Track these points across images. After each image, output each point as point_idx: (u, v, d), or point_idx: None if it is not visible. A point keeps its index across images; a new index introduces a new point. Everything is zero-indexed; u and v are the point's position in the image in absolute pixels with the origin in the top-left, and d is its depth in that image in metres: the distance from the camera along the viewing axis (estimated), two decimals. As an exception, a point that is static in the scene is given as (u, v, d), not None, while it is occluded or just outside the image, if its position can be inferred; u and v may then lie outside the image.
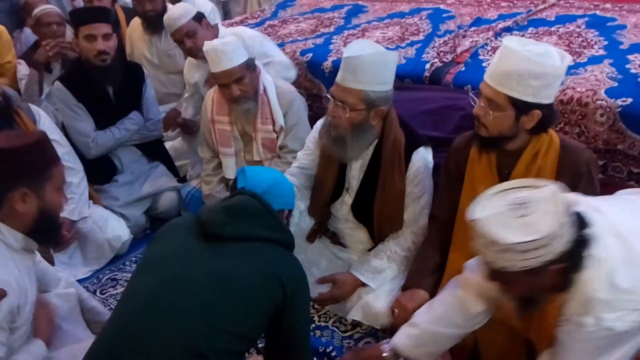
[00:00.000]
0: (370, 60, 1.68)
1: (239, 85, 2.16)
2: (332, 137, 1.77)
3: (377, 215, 1.84)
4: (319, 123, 1.92)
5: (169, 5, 2.95)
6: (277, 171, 1.59)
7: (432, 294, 1.67)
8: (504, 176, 1.60)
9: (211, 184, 2.46)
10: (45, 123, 2.23)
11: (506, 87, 1.48)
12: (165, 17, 2.65)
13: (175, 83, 3.19)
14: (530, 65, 1.45)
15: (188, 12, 2.57)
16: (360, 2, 3.53)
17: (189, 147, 2.93)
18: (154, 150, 2.70)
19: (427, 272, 1.74)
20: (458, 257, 1.66)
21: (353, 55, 1.69)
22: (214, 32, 2.65)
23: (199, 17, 2.60)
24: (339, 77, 1.73)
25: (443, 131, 2.11)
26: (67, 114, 2.46)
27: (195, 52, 2.57)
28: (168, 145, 2.89)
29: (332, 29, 3.10)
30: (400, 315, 1.65)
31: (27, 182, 1.37)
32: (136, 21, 3.21)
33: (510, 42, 1.52)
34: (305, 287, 1.44)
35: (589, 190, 1.52)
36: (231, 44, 2.11)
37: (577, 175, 1.56)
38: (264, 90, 2.26)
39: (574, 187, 1.55)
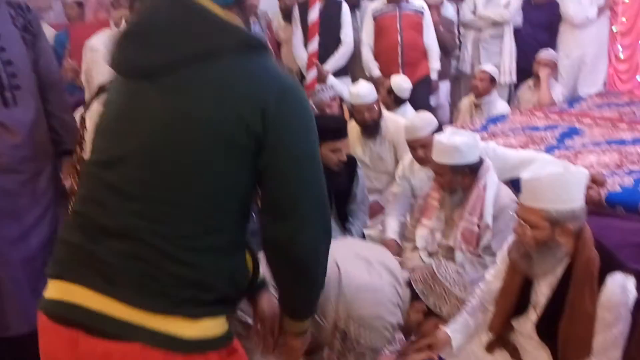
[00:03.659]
0: (548, 180, 1.69)
1: (454, 177, 2.37)
2: (519, 253, 1.79)
3: (562, 338, 1.73)
4: (508, 240, 1.93)
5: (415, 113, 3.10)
6: None
7: None
8: None
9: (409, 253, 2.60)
10: None
11: None
12: (409, 122, 2.84)
13: (380, 180, 3.44)
14: None
15: (430, 125, 2.75)
16: (577, 126, 3.48)
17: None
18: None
19: None
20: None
21: (531, 176, 1.74)
22: None
23: (437, 130, 2.75)
24: (520, 197, 1.77)
25: (655, 268, 1.94)
26: None
27: (424, 161, 2.72)
28: (366, 232, 3.07)
29: (542, 147, 3.10)
30: None
31: None
32: (354, 124, 3.53)
33: None
34: (297, 106, 1.05)
35: None
36: (466, 145, 2.33)
37: None
38: (484, 186, 2.37)
39: None
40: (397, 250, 2.70)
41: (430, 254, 2.53)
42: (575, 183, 1.73)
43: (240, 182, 1.05)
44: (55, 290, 1.07)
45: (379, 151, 3.42)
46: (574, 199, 1.71)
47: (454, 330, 1.91)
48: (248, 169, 1.04)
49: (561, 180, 1.70)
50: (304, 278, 1.14)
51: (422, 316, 1.62)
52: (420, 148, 2.74)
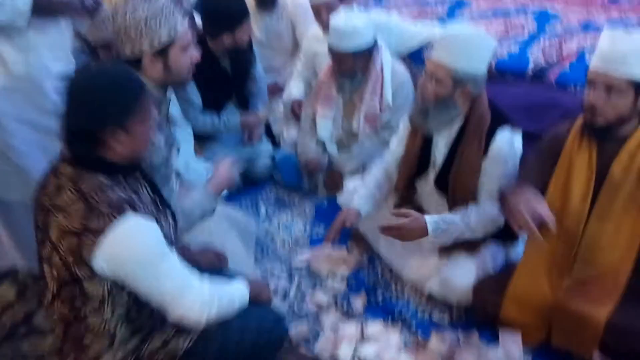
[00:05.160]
0: (464, 41, 1.77)
1: (355, 62, 2.32)
2: (417, 108, 1.88)
3: (453, 189, 1.90)
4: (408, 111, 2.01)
5: None
6: None
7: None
8: (603, 168, 1.63)
9: (306, 143, 2.60)
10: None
11: (626, 68, 1.50)
12: None
13: (276, 59, 3.33)
14: None
15: None
16: (464, -3, 3.57)
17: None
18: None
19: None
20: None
21: (449, 33, 1.77)
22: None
23: None
24: (433, 53, 1.83)
25: (538, 126, 2.15)
26: None
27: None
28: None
29: (433, 20, 3.17)
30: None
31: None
32: (249, -2, 3.34)
33: (614, 30, 1.56)
34: None
35: None
36: (366, 26, 2.25)
37: None
38: (381, 67, 2.38)
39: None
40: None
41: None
42: (486, 49, 1.81)
43: None
44: None
45: (275, 27, 3.27)
46: (480, 65, 1.79)
47: (360, 204, 2.03)
48: None
49: (476, 42, 1.77)
50: None
51: None
52: (326, 11, 2.66)
